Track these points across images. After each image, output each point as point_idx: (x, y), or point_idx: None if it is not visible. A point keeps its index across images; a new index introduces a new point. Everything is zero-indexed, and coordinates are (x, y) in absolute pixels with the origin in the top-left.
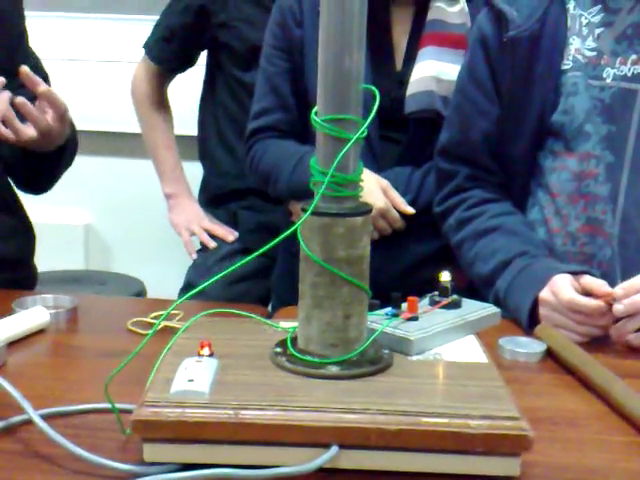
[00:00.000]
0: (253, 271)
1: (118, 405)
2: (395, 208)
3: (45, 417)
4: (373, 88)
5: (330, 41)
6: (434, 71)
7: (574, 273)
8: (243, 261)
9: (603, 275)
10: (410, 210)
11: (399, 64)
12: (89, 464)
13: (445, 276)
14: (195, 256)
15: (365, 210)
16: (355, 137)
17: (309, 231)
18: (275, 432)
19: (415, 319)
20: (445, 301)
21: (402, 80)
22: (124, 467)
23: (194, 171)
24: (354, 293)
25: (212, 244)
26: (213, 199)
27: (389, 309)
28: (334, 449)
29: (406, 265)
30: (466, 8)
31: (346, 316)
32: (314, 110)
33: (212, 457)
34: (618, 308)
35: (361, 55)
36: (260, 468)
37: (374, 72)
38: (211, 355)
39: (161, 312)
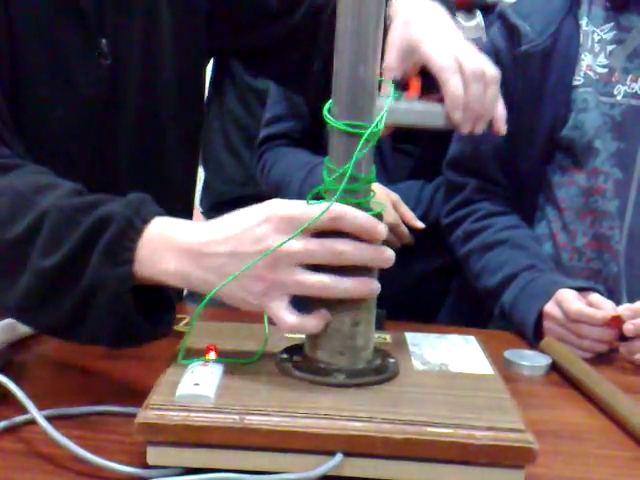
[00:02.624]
0: None
1: (121, 408)
2: (405, 223)
3: (49, 418)
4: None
5: (345, 49)
6: None
7: (580, 289)
8: (256, 259)
9: (608, 291)
10: (420, 225)
11: None
12: (92, 466)
13: None
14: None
15: (376, 217)
16: (369, 130)
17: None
18: (280, 438)
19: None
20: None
21: None
22: (127, 470)
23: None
24: (363, 301)
25: None
26: (216, 205)
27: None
28: (339, 457)
29: (414, 279)
30: (482, 23)
31: (354, 324)
32: (327, 106)
33: (216, 462)
34: (629, 328)
35: (376, 64)
36: (264, 474)
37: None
38: (217, 359)
39: None
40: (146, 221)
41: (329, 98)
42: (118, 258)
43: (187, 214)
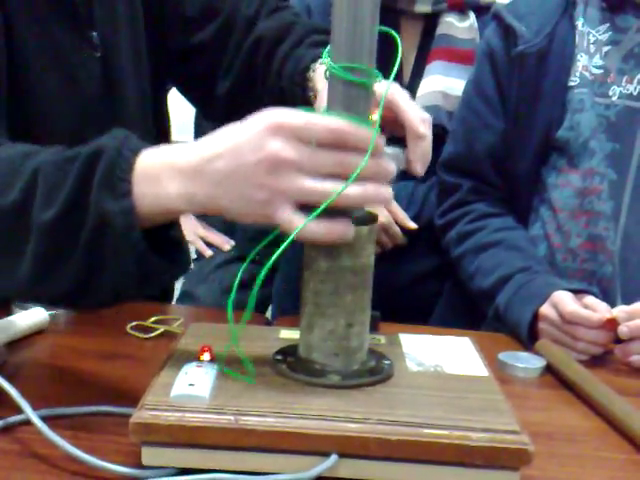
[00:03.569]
0: (250, 279)
1: (116, 409)
2: (397, 223)
3: (43, 418)
4: (393, 33)
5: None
6: (441, 86)
7: (575, 291)
8: (276, 253)
9: (603, 292)
10: (412, 225)
11: (407, 78)
12: (87, 466)
13: None
14: (191, 265)
15: (371, 219)
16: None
17: None
18: (275, 439)
19: None
20: None
21: (409, 93)
22: (122, 470)
23: None
24: (357, 302)
25: (208, 252)
26: None
27: None
28: (333, 458)
29: (408, 279)
30: (475, 24)
31: (348, 325)
32: (326, 50)
33: (211, 462)
34: (623, 331)
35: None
36: (259, 475)
37: None
38: (212, 360)
39: (161, 316)
40: (135, 152)
41: (229, 120)
42: (115, 191)
43: None
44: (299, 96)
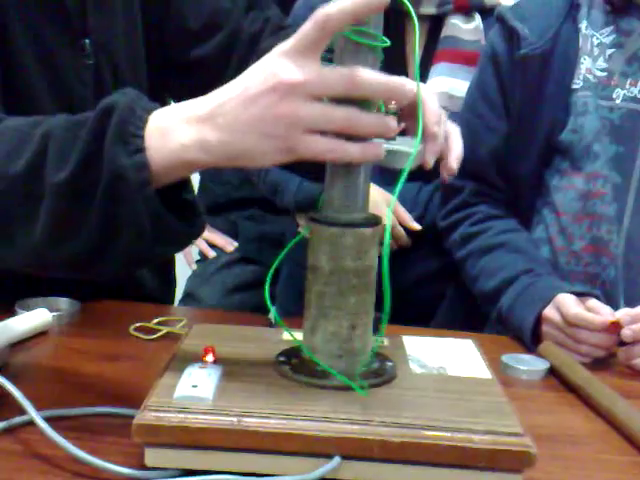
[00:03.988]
0: (252, 280)
1: (119, 410)
2: (401, 224)
3: (47, 419)
4: (410, 7)
5: None
6: (446, 87)
7: (579, 294)
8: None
9: (606, 295)
10: (416, 226)
11: (412, 78)
12: (90, 467)
13: None
14: (194, 266)
15: (375, 221)
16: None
17: (317, 240)
18: (277, 441)
19: None
20: None
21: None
22: (125, 471)
23: (191, 177)
24: (361, 304)
25: (211, 253)
26: (212, 207)
27: None
28: (336, 460)
29: (411, 281)
30: (481, 25)
31: (352, 327)
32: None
33: (214, 464)
34: (626, 334)
35: None
36: (262, 476)
37: None
38: (215, 362)
39: (164, 318)
40: (148, 110)
41: None
42: (129, 147)
43: None
44: None
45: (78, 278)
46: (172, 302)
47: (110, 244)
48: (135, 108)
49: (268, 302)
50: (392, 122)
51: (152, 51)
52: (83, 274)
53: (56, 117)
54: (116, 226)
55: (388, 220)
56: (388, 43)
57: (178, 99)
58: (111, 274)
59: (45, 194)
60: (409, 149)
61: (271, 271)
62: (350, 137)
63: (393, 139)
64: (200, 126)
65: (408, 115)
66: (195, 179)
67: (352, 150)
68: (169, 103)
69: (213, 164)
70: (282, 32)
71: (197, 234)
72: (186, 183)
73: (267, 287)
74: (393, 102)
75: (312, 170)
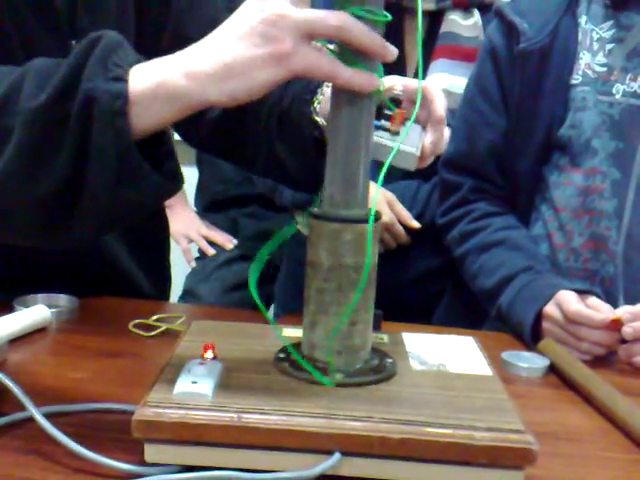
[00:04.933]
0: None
1: (119, 406)
2: (400, 222)
3: (47, 415)
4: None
5: None
6: (445, 84)
7: (579, 292)
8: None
9: (605, 292)
10: (416, 225)
11: (411, 74)
12: (89, 463)
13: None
14: (194, 264)
15: (374, 218)
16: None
17: (317, 236)
18: (277, 437)
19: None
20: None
21: None
22: (125, 467)
23: (189, 176)
24: (361, 300)
25: (211, 251)
26: (211, 204)
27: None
28: (336, 456)
29: (411, 279)
30: (480, 21)
31: (352, 323)
32: None
33: (213, 460)
34: (627, 331)
35: None
36: (261, 472)
37: None
38: (215, 358)
39: (163, 314)
40: (136, 54)
41: (211, 144)
42: (108, 72)
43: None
44: (304, 113)
45: (44, 246)
46: (167, 300)
47: (80, 182)
48: (124, 43)
49: (257, 300)
50: (384, 41)
51: (146, 54)
52: (48, 235)
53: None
54: (86, 159)
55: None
56: (390, 18)
57: None
58: (80, 231)
59: (16, 123)
60: (415, 150)
61: (257, 262)
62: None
63: (397, 133)
64: (188, 55)
65: (412, 102)
66: (195, 178)
67: (344, 71)
68: None
69: (199, 96)
70: None
71: (168, 189)
72: (165, 135)
73: (253, 283)
74: (398, 89)
75: (305, 180)
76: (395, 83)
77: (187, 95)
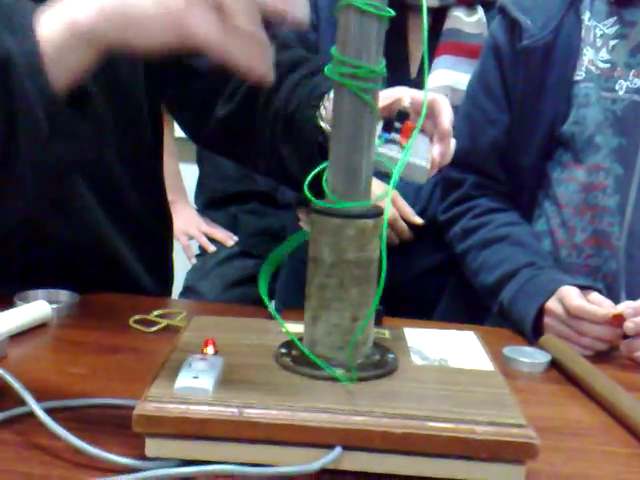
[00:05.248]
0: (252, 275)
1: (119, 401)
2: (403, 218)
3: (47, 410)
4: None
5: None
6: (449, 80)
7: (581, 287)
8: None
9: (607, 288)
10: (418, 221)
11: (414, 72)
12: (90, 457)
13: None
14: (194, 261)
15: (377, 213)
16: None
17: (319, 232)
18: (279, 431)
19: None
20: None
21: (416, 88)
22: (126, 461)
23: (190, 173)
24: (362, 295)
25: (211, 248)
26: (211, 201)
27: (384, 133)
28: (338, 450)
29: (413, 275)
30: (484, 18)
31: (353, 318)
32: None
33: (215, 454)
34: (629, 326)
35: None
36: (263, 467)
37: (388, 79)
38: (216, 353)
39: (164, 310)
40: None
41: (220, 144)
42: (16, 33)
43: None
44: (309, 118)
45: None
46: (170, 294)
47: (10, 146)
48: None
49: (264, 296)
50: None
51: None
52: None
53: None
54: (13, 124)
55: (386, 212)
56: (393, 13)
57: (174, 103)
58: (19, 198)
59: None
60: (425, 163)
61: (268, 264)
62: None
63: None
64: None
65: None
66: (194, 177)
67: (236, 51)
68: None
69: (110, 39)
70: (290, 50)
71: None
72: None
73: (263, 279)
74: (406, 102)
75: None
76: (404, 95)
77: (99, 36)
